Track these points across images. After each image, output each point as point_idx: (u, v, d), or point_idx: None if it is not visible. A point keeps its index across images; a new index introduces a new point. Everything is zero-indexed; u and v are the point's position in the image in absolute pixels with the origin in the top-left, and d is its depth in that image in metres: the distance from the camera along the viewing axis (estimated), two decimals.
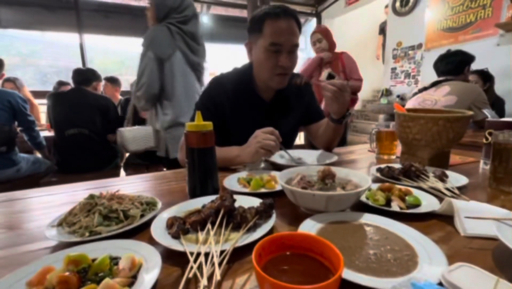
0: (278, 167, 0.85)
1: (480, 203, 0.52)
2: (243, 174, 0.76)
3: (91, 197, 0.50)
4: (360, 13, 4.39)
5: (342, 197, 0.47)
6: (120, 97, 3.22)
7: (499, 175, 0.65)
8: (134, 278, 0.33)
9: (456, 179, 0.70)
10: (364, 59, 4.56)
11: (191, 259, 0.34)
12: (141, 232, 0.48)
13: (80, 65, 4.09)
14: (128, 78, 4.13)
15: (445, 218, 0.50)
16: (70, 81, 2.23)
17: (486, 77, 2.24)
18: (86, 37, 4.07)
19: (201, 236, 0.42)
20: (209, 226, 0.43)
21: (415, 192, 0.60)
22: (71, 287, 0.30)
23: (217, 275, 0.29)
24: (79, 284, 0.31)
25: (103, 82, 3.23)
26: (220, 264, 0.33)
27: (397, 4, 3.57)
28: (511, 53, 2.54)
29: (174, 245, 0.40)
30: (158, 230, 0.44)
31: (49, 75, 4.47)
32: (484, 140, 0.85)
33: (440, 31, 3.16)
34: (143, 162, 2.46)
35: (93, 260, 0.36)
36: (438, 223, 0.49)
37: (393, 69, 3.79)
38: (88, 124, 2.04)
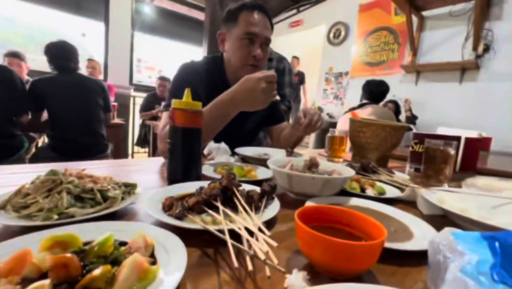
0: (248, 160, 0.85)
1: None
2: (217, 165, 0.72)
3: (53, 173, 0.39)
4: (302, 36, 4.85)
5: (337, 180, 0.51)
6: (27, 77, 2.60)
7: (429, 173, 0.82)
8: (151, 257, 0.27)
9: (399, 175, 0.84)
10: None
11: (228, 238, 0.30)
12: (122, 218, 0.40)
13: None
14: (36, 58, 3.37)
15: (408, 203, 0.60)
16: None
17: (396, 105, 2.92)
18: None
19: (206, 217, 0.38)
20: (220, 206, 0.39)
21: (378, 183, 0.69)
22: (72, 272, 0.23)
23: (272, 256, 0.27)
24: (81, 270, 0.24)
25: (6, 60, 2.54)
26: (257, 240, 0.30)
27: (331, 35, 4.14)
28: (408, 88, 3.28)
29: (187, 224, 0.34)
30: (154, 212, 0.38)
31: None
32: (411, 148, 1.06)
33: (362, 64, 3.81)
34: (59, 155, 2.03)
35: (84, 244, 0.28)
36: (404, 207, 0.58)
37: (325, 90, 4.32)
38: None
